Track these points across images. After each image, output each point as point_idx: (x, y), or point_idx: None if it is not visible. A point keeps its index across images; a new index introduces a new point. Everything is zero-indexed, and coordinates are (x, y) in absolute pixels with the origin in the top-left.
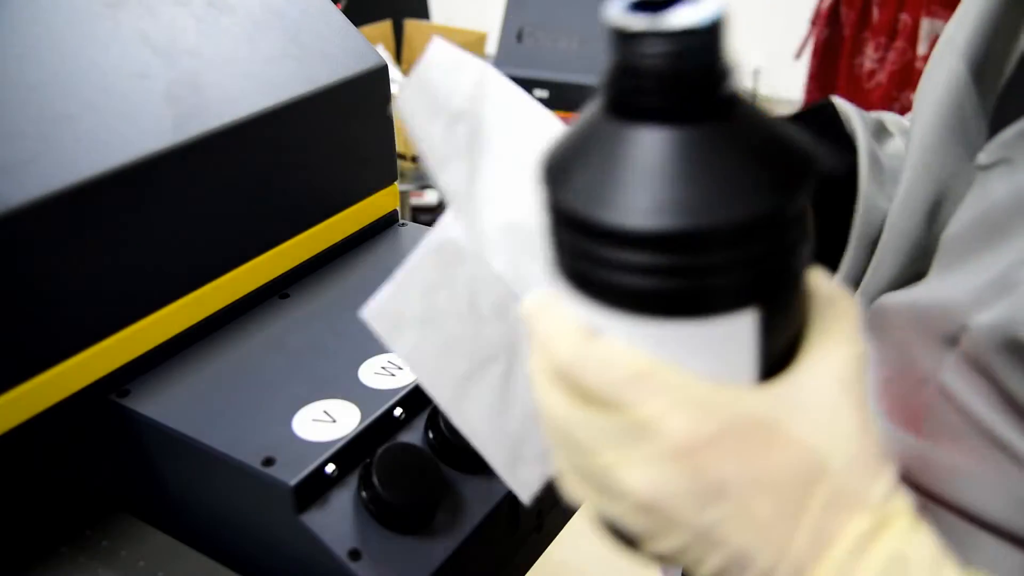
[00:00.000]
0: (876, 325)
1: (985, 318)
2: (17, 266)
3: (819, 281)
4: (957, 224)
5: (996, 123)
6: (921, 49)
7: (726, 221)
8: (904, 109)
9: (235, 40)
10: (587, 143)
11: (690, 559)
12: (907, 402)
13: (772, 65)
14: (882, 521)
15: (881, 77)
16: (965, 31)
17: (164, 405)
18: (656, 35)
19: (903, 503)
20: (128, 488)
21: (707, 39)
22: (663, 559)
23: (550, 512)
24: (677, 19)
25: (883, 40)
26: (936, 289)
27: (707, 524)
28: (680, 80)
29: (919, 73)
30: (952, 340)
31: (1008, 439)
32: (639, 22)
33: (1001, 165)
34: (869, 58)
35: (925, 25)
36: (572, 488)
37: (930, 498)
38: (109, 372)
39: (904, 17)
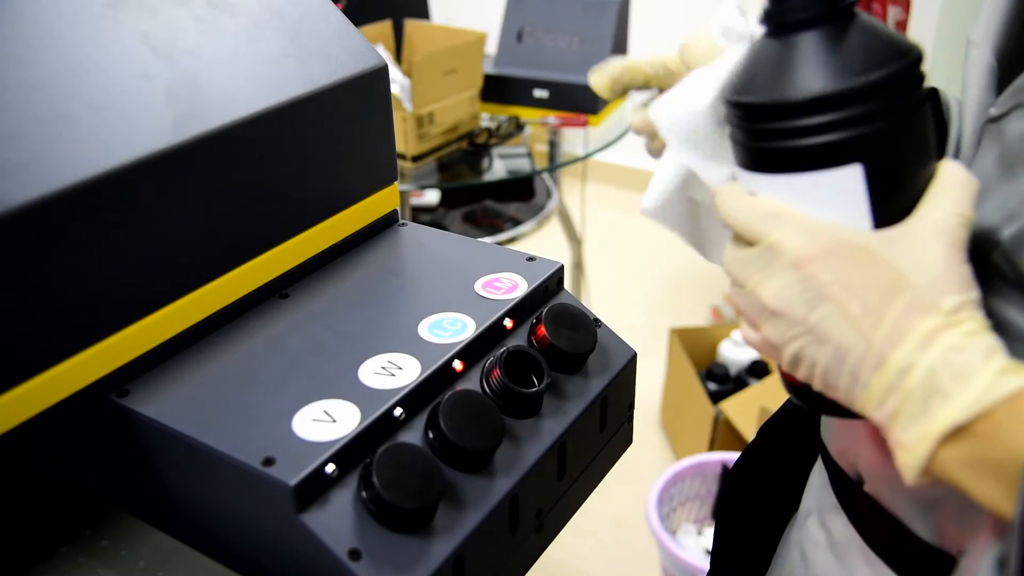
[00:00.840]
0: None
1: (1014, 226)
2: (17, 266)
3: (947, 164)
4: (976, 175)
5: (1002, 77)
6: (895, 14)
7: (827, 90)
8: None
9: (235, 40)
10: (755, 62)
11: (808, 362)
12: None
13: None
14: (950, 323)
15: None
16: (992, 27)
17: (164, 405)
18: None
19: (974, 314)
20: (128, 488)
21: None
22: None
23: (550, 512)
24: None
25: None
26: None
27: (814, 321)
28: None
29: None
30: (986, 259)
31: None
32: None
33: (1015, 111)
34: None
35: (892, 13)
36: (743, 325)
37: None
38: (109, 372)
39: (875, 7)
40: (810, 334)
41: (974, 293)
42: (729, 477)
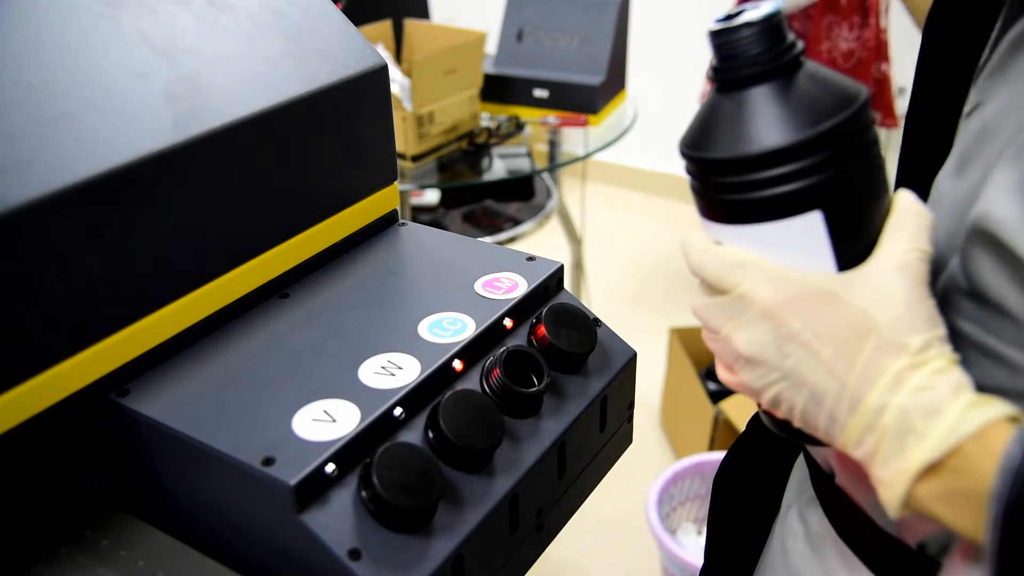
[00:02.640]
0: None
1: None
2: (17, 266)
3: (903, 198)
4: (945, 168)
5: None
6: (883, 22)
7: (781, 142)
8: (877, 81)
9: (235, 40)
10: (706, 117)
11: (786, 404)
12: None
13: None
14: (918, 362)
15: (862, 54)
16: None
17: (164, 405)
18: (748, 25)
19: (942, 351)
20: (128, 488)
21: (775, 22)
22: (786, 423)
23: (550, 512)
24: (760, 11)
25: (856, 19)
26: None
27: (789, 367)
28: (765, 50)
29: (886, 45)
30: (943, 271)
31: (997, 349)
32: (733, 21)
33: (976, 110)
34: (844, 39)
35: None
36: (719, 367)
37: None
38: (109, 372)
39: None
40: (786, 379)
41: (940, 329)
42: (718, 473)
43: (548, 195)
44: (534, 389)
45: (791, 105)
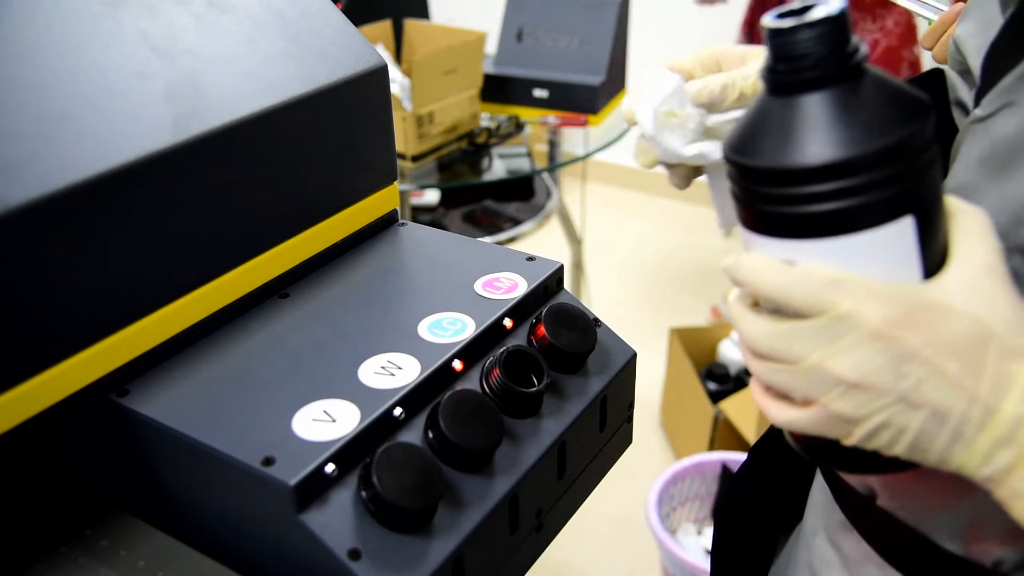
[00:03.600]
0: None
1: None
2: (17, 266)
3: (951, 201)
4: (956, 174)
5: (986, 80)
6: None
7: (878, 146)
8: (911, 64)
9: (235, 40)
10: (762, 121)
11: (894, 430)
12: None
13: None
14: None
15: (889, 41)
16: (976, 25)
17: (164, 405)
18: (812, 24)
19: None
20: (128, 488)
21: (842, 22)
22: (861, 452)
23: (550, 512)
24: (821, 11)
25: (879, 11)
26: None
27: (906, 388)
28: (829, 53)
29: (915, 29)
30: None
31: None
32: (795, 20)
33: (1005, 109)
34: (868, 30)
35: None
36: (772, 406)
37: None
38: (109, 372)
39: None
40: (901, 402)
41: None
42: (730, 485)
43: (548, 195)
44: (534, 389)
45: (875, 109)
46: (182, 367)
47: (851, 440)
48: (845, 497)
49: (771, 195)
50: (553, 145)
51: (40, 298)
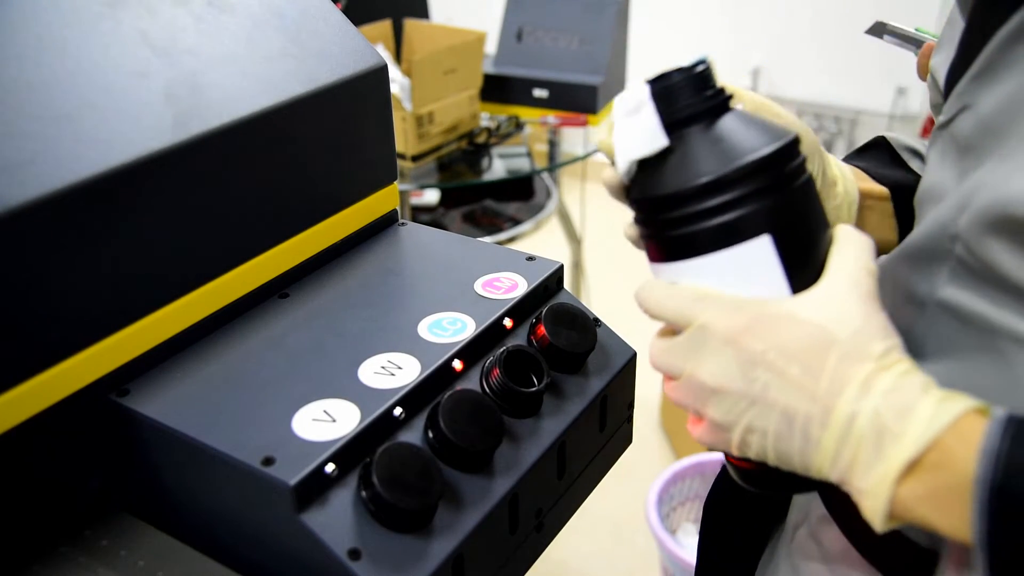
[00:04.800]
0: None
1: (971, 212)
2: (17, 266)
3: (842, 227)
4: (927, 178)
5: (947, 92)
6: None
7: (726, 171)
8: None
9: (235, 40)
10: (647, 161)
11: (759, 434)
12: (908, 334)
13: (772, 64)
14: (882, 366)
15: None
16: (947, 52)
17: (164, 405)
18: (681, 71)
19: (902, 356)
20: (128, 488)
21: (707, 67)
22: (776, 470)
23: (550, 512)
24: (686, 63)
25: None
26: (920, 228)
27: (757, 391)
28: (696, 93)
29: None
30: (945, 254)
31: (1009, 325)
32: (671, 73)
33: (962, 112)
34: None
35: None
36: (690, 428)
37: None
38: (109, 372)
39: None
40: (755, 404)
41: (897, 338)
42: (718, 480)
43: (548, 195)
44: (534, 389)
45: (729, 138)
46: (182, 367)
47: (733, 449)
48: (826, 491)
49: (651, 222)
50: (553, 145)
51: (40, 298)
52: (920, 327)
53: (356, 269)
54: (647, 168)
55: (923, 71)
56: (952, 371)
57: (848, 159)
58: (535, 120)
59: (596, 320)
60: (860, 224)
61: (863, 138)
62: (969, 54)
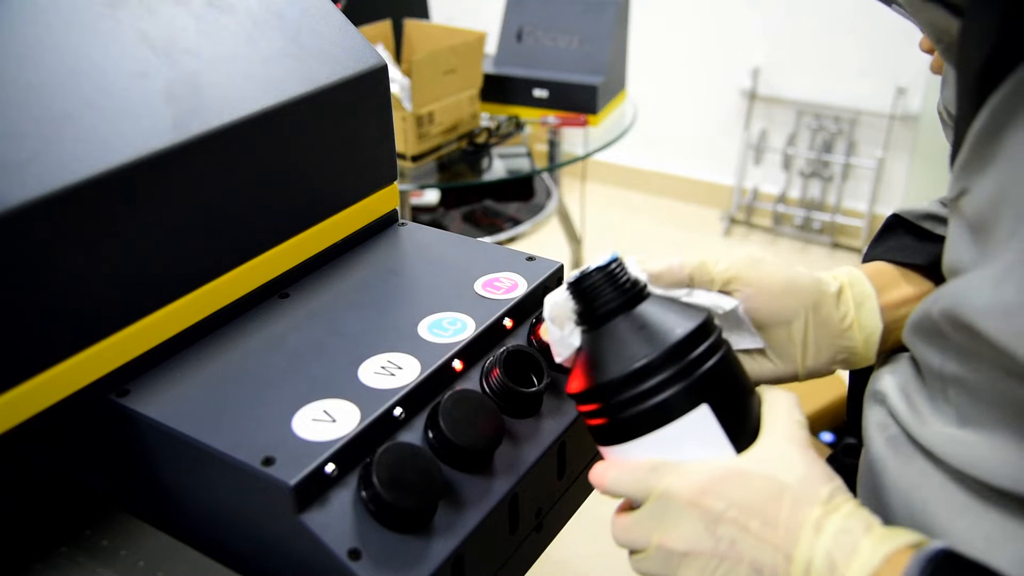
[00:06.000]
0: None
1: (940, 303)
2: (17, 266)
3: (765, 388)
4: (948, 253)
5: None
6: None
7: (655, 355)
8: None
9: (235, 40)
10: (585, 355)
11: None
12: (936, 404)
13: (772, 65)
14: (831, 508)
15: None
16: (949, 92)
17: (164, 405)
18: (598, 269)
19: (846, 498)
20: (128, 488)
21: (619, 264)
22: None
23: (550, 512)
24: (600, 260)
25: None
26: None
27: (724, 548)
28: (614, 288)
29: None
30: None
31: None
32: (589, 274)
33: (963, 196)
34: None
35: None
36: None
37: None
38: (109, 372)
39: None
40: (725, 560)
41: (838, 480)
42: None
43: (548, 195)
44: (534, 389)
45: (649, 326)
46: (182, 367)
47: None
48: None
49: (593, 412)
50: (553, 145)
51: (40, 298)
52: (946, 397)
53: (356, 269)
54: (593, 361)
55: (936, 66)
56: (982, 442)
57: (871, 250)
58: (535, 120)
59: None
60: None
61: (863, 138)
62: (959, 135)
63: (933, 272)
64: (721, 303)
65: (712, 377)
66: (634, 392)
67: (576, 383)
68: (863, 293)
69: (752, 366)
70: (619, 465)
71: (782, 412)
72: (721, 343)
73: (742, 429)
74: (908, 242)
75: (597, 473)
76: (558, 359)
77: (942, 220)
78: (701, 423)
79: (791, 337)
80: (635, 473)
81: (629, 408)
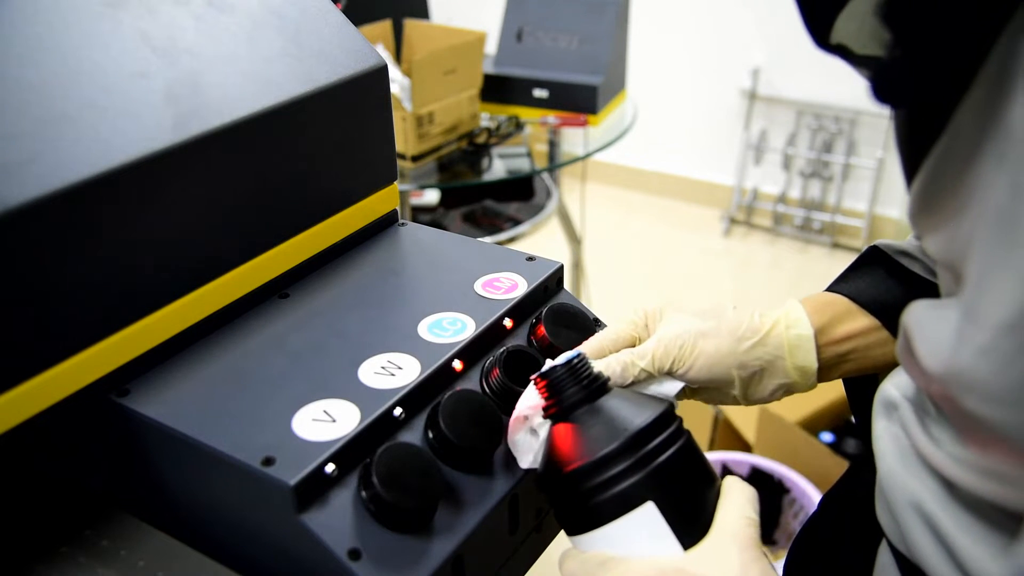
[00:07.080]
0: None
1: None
2: (17, 266)
3: (727, 480)
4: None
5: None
6: None
7: (603, 454)
8: None
9: (235, 40)
10: (547, 446)
11: None
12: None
13: (772, 65)
14: None
15: None
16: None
17: (164, 405)
18: (562, 366)
19: None
20: (128, 488)
21: (582, 360)
22: None
23: (550, 512)
24: (565, 356)
25: None
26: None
27: None
28: (576, 382)
29: None
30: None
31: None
32: (554, 368)
33: (939, 276)
34: None
35: None
36: None
37: None
38: (109, 372)
39: None
40: None
41: None
42: (792, 547)
43: (548, 195)
44: None
45: (607, 420)
46: (182, 367)
47: None
48: (906, 568)
49: (561, 499)
50: (553, 145)
51: (40, 298)
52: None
53: (356, 269)
54: (552, 452)
55: None
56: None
57: (842, 278)
58: (535, 120)
59: (596, 320)
60: (857, 368)
61: (863, 138)
62: (909, 180)
63: (887, 312)
64: (665, 390)
65: (661, 473)
66: (585, 486)
67: (549, 470)
68: (799, 335)
69: (695, 395)
70: (574, 556)
71: (733, 508)
72: (679, 435)
73: (691, 523)
74: (871, 280)
75: (560, 560)
76: (523, 464)
77: (917, 258)
78: (648, 519)
79: (729, 389)
80: (585, 566)
81: (581, 501)
